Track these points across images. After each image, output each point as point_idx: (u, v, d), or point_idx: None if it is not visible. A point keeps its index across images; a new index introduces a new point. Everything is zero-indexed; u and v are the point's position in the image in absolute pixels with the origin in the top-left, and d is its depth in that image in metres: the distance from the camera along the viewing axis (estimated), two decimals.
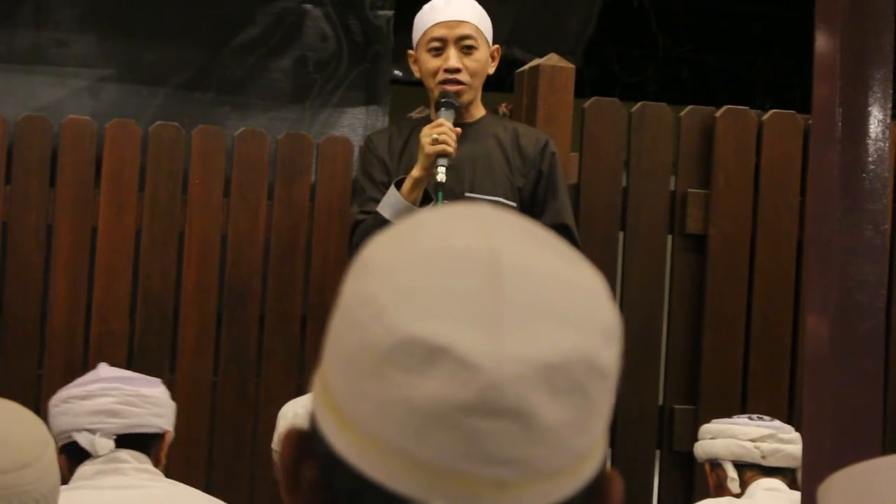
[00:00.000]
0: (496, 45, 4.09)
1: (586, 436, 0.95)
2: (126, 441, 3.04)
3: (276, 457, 3.16)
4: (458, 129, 3.88)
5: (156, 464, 3.08)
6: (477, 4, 4.10)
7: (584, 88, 6.19)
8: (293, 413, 3.21)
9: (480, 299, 0.93)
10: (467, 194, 3.97)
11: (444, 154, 3.80)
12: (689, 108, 4.73)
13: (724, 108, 4.71)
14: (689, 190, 4.66)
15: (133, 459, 3.01)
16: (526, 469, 0.93)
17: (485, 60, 4.04)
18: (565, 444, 0.94)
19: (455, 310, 0.93)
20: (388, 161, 4.07)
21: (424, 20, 4.05)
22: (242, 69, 5.31)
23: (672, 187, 4.68)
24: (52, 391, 4.39)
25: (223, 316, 4.52)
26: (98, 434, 3.01)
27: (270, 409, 4.52)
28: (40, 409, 3.25)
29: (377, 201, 3.96)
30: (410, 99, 5.27)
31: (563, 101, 4.54)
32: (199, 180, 4.52)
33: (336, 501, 0.96)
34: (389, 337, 0.93)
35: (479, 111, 4.11)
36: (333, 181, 4.60)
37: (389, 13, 5.42)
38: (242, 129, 4.68)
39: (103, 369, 3.20)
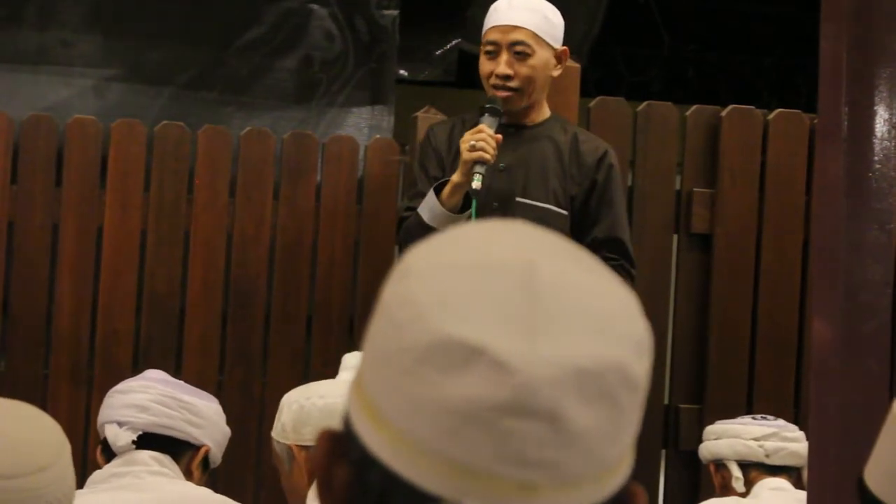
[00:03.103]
0: (564, 48, 4.01)
1: (615, 445, 0.97)
2: (150, 441, 3.00)
3: (276, 447, 3.14)
4: (499, 136, 3.81)
5: (186, 475, 3.00)
6: (540, 8, 4.00)
7: (589, 88, 6.19)
8: (298, 405, 3.14)
9: (516, 305, 0.96)
10: (518, 199, 3.91)
11: (480, 161, 3.76)
12: (694, 107, 4.73)
13: (730, 107, 4.71)
14: (695, 189, 4.66)
15: (153, 462, 2.96)
16: (554, 473, 0.94)
17: (542, 65, 3.95)
18: (594, 451, 0.95)
19: (492, 314, 0.95)
20: (445, 155, 4.01)
21: (486, 22, 3.99)
22: (248, 69, 5.31)
23: (677, 187, 4.68)
24: (58, 391, 4.43)
25: (228, 315, 4.53)
26: (124, 427, 2.98)
27: (275, 409, 4.52)
28: (47, 410, 3.25)
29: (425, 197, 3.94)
30: (416, 99, 5.27)
31: (569, 101, 4.54)
32: (200, 180, 4.52)
33: (367, 501, 0.98)
34: (427, 337, 0.95)
35: (540, 114, 4.04)
36: (339, 181, 4.60)
37: (395, 13, 5.42)
38: (248, 128, 4.68)
39: (151, 372, 3.16)
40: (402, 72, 5.87)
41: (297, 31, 5.35)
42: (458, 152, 3.89)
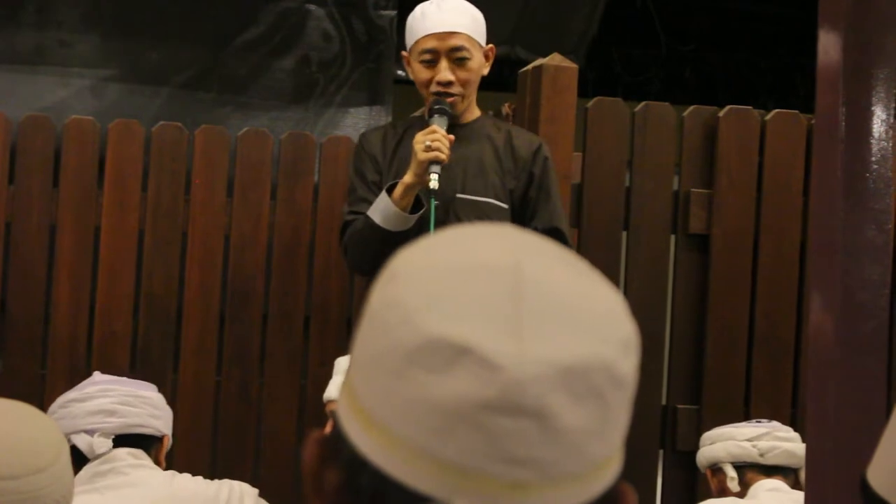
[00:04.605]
0: (490, 45, 4.03)
1: (603, 444, 0.97)
2: (124, 441, 3.05)
3: (328, 407, 3.19)
4: (451, 137, 3.84)
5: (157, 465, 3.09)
6: (469, 8, 4.02)
7: (587, 88, 6.19)
8: None
9: (503, 305, 0.96)
10: (458, 195, 3.94)
11: (436, 161, 3.78)
12: (692, 107, 4.73)
13: (728, 107, 4.71)
14: (692, 190, 4.66)
15: (129, 456, 3.02)
16: (543, 471, 0.95)
17: (478, 67, 3.98)
18: (582, 449, 0.96)
19: (479, 314, 0.96)
20: (381, 159, 4.04)
21: (416, 28, 3.98)
22: (245, 69, 5.31)
23: (675, 187, 4.68)
24: (56, 392, 4.41)
25: (226, 316, 4.52)
26: (97, 434, 3.02)
27: (273, 409, 4.52)
28: (45, 410, 3.25)
29: (367, 202, 3.94)
30: (414, 99, 5.27)
31: (566, 101, 4.54)
32: (199, 180, 4.52)
33: (359, 503, 0.98)
34: (415, 337, 0.96)
35: (472, 113, 4.08)
36: (336, 181, 4.60)
37: (392, 13, 5.42)
38: (245, 129, 4.68)
39: (98, 375, 3.24)
40: (399, 72, 5.87)
41: (295, 32, 5.35)
42: (393, 157, 3.90)
